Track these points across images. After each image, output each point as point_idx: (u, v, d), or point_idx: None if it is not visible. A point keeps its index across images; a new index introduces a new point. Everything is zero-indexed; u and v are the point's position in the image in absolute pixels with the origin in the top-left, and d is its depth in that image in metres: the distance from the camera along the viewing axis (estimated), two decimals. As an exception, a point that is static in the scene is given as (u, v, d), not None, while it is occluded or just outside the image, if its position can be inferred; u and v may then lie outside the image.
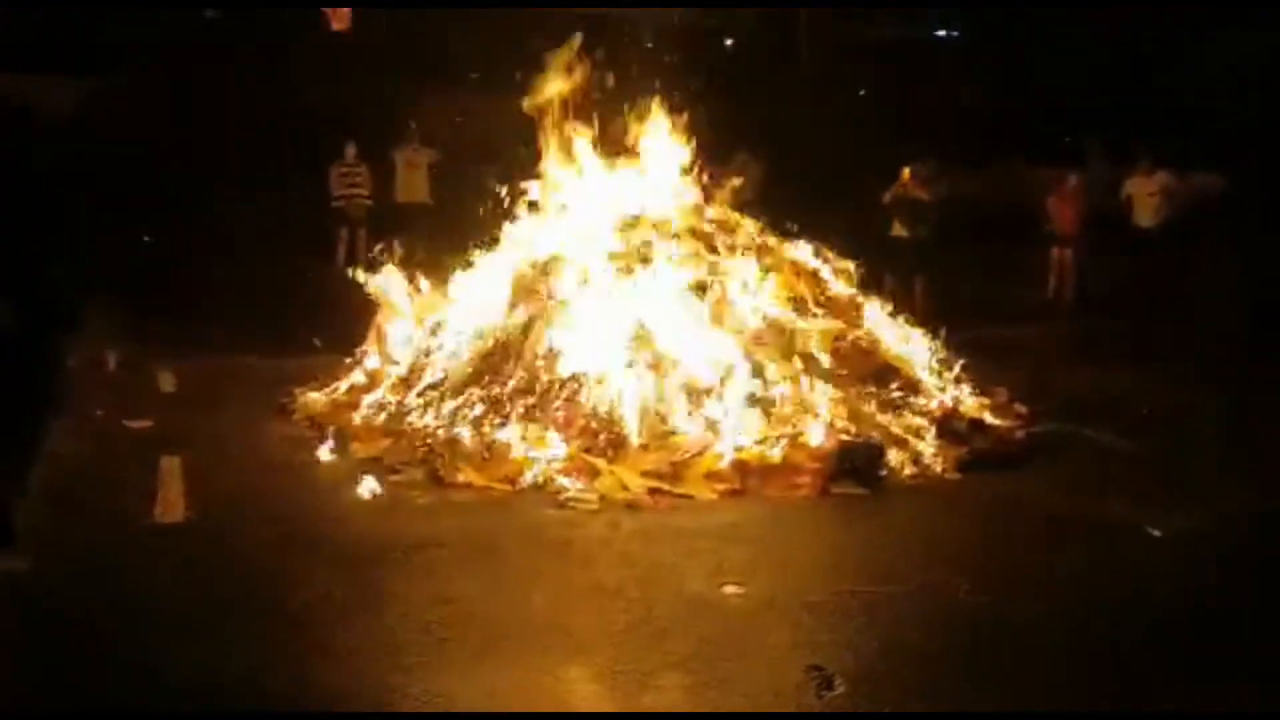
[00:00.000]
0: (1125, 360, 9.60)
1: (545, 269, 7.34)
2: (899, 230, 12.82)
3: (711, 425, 6.48)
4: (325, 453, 6.71)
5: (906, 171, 12.92)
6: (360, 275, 8.55)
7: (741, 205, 9.84)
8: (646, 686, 4.01)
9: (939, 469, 6.58)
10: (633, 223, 7.58)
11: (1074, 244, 13.66)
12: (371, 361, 7.78)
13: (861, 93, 26.17)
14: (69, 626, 4.40)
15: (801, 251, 7.93)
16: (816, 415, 6.61)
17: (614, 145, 8.35)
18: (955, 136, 19.73)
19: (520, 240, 7.91)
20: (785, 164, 16.22)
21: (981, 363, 8.45)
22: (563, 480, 6.17)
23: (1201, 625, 4.58)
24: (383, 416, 7.07)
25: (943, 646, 4.37)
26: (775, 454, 6.35)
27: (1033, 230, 14.34)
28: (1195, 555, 5.35)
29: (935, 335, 8.25)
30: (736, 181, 8.91)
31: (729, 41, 25.48)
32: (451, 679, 4.02)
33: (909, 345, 7.90)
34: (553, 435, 6.47)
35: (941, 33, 25.24)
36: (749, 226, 7.88)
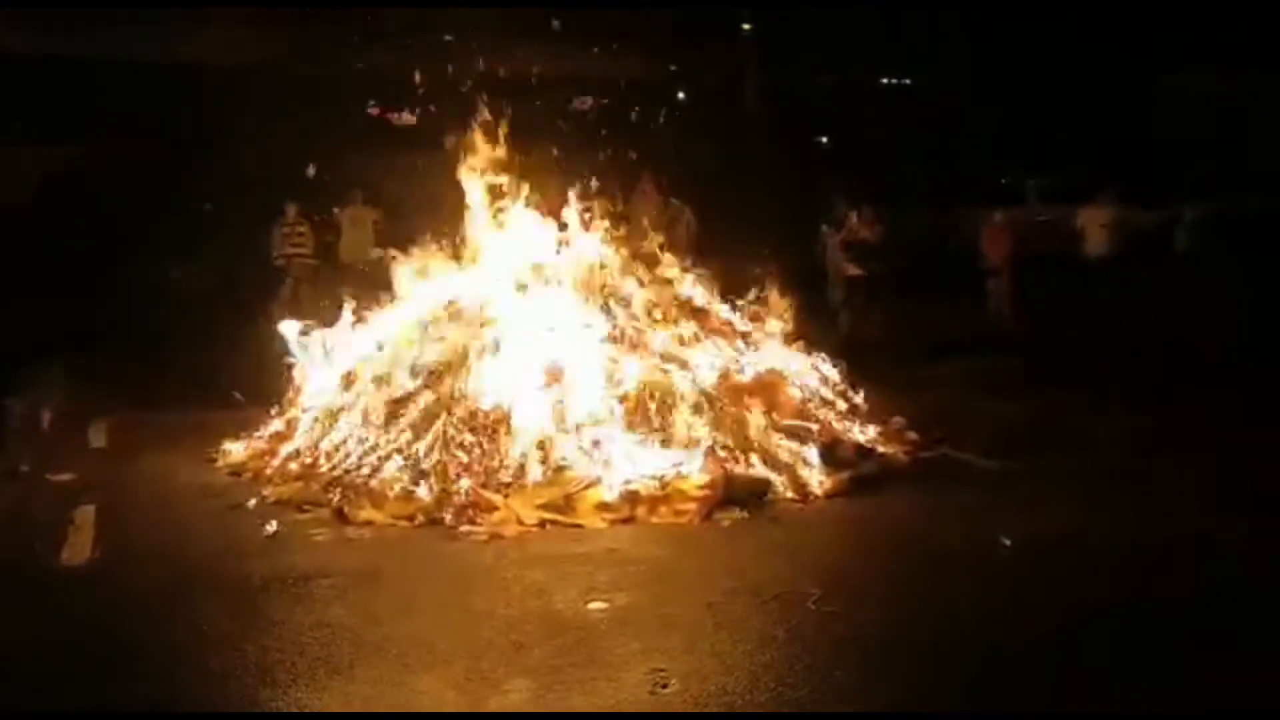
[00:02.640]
0: (1039, 391, 9.96)
1: (450, 314, 7.74)
2: (853, 270, 13.69)
3: (602, 458, 6.81)
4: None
5: (854, 214, 13.87)
6: (292, 330, 8.88)
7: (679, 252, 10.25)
8: (495, 691, 4.34)
9: (821, 493, 6.93)
10: (537, 269, 7.98)
11: (1005, 275, 14.42)
12: (290, 411, 8.11)
13: (823, 140, 26.95)
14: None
15: (693, 288, 8.33)
16: (702, 444, 6.95)
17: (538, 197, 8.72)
18: (896, 178, 20.37)
19: (430, 289, 8.28)
20: (724, 210, 16.78)
21: (899, 392, 8.91)
22: (460, 516, 6.50)
23: (1035, 628, 4.90)
24: (296, 461, 7.39)
25: (780, 649, 4.69)
26: (662, 484, 6.70)
27: (967, 266, 15.13)
28: (1041, 567, 5.66)
29: (839, 365, 8.65)
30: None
31: (680, 95, 26.15)
32: (313, 691, 4.34)
33: (807, 375, 8.27)
34: (453, 473, 6.80)
35: (886, 80, 25.96)
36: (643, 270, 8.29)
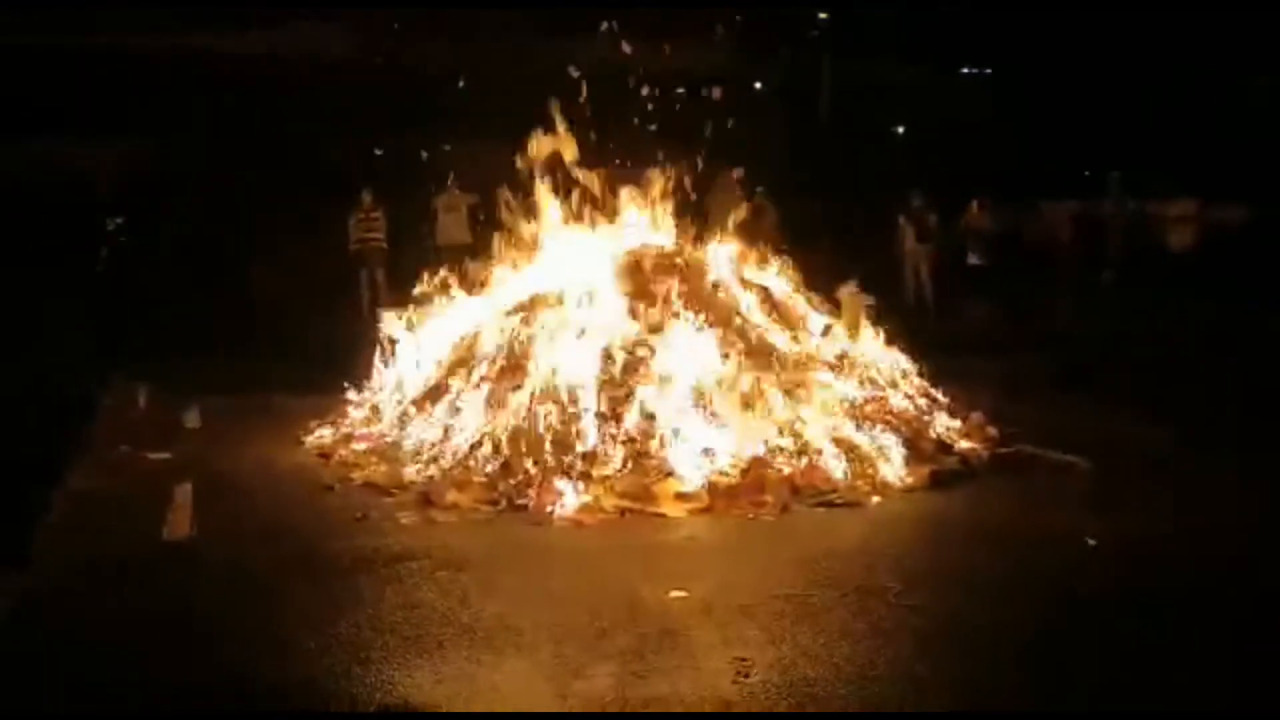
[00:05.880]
0: (1132, 386, 9.86)
1: (535, 303, 7.86)
2: (973, 259, 14.04)
3: (683, 448, 6.88)
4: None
5: (974, 204, 14.53)
6: (377, 315, 9.10)
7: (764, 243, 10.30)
8: (579, 676, 4.42)
9: (902, 486, 6.93)
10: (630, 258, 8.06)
11: (1115, 267, 14.44)
12: (377, 396, 8.30)
13: (900, 130, 26.73)
14: (70, 634, 4.90)
15: (774, 280, 8.36)
16: (786, 435, 7.00)
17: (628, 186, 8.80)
18: (981, 172, 20.16)
19: (515, 278, 8.42)
20: (801, 203, 16.77)
21: (985, 387, 8.90)
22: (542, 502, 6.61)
23: (1117, 626, 4.90)
24: (383, 445, 7.57)
25: (861, 642, 4.71)
26: (742, 475, 6.75)
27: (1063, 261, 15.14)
28: (1124, 566, 5.63)
29: (925, 360, 8.61)
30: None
31: (758, 85, 26.07)
32: (404, 670, 4.47)
33: (893, 369, 8.25)
34: (536, 460, 6.91)
35: (966, 70, 25.67)
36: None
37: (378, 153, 17.45)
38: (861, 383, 7.78)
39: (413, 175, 15.00)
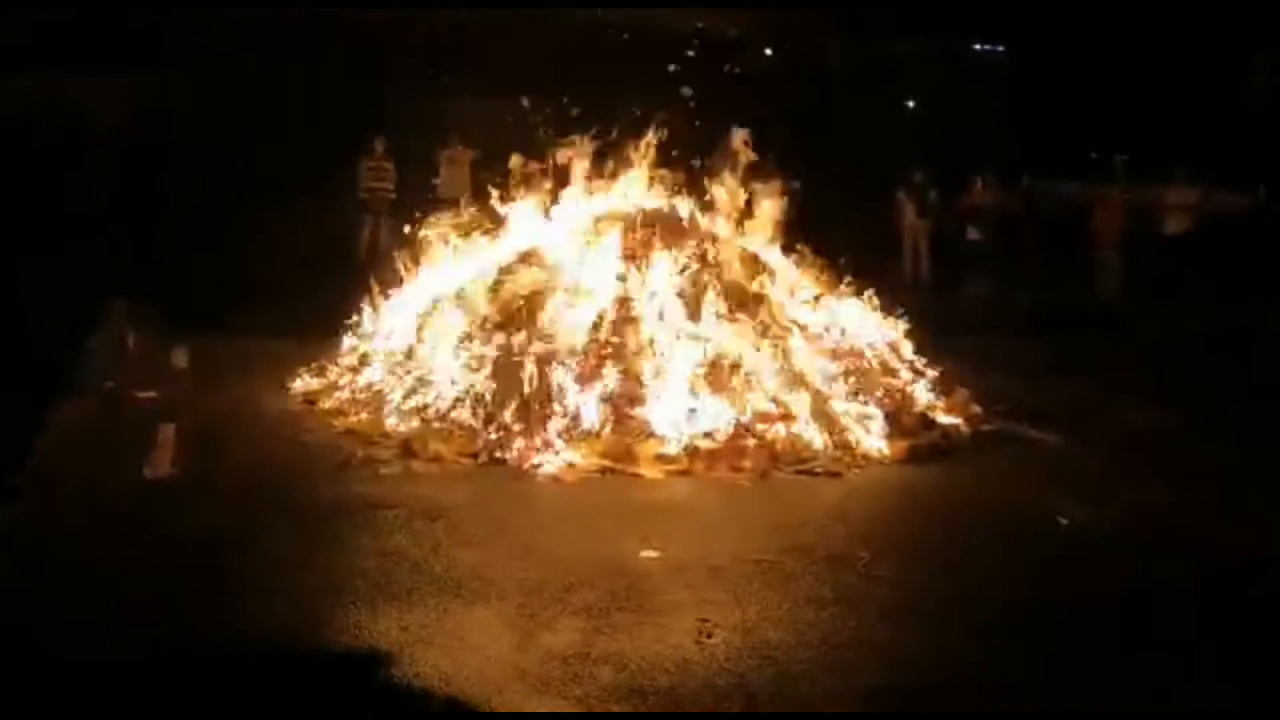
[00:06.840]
0: (1116, 371, 9.87)
1: (525, 259, 7.87)
2: (972, 234, 14.55)
3: (665, 410, 6.91)
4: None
5: (979, 181, 14.83)
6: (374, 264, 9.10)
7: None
8: (544, 629, 4.47)
9: (882, 459, 6.97)
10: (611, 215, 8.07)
11: (1116, 250, 14.39)
12: (364, 345, 8.32)
13: (910, 104, 26.56)
14: (53, 565, 4.98)
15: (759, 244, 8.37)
16: (768, 401, 7.03)
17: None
18: (987, 152, 20.04)
19: (510, 234, 8.43)
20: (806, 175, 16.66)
21: (975, 363, 8.92)
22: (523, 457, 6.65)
23: (1084, 603, 4.93)
24: (367, 394, 7.60)
25: (826, 608, 4.76)
26: (723, 440, 6.79)
27: (1072, 240, 15.07)
28: (1094, 543, 5.69)
29: (918, 335, 8.61)
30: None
31: (768, 51, 25.89)
32: (374, 615, 4.52)
33: (882, 341, 8.26)
34: (518, 415, 6.94)
35: (978, 46, 25.42)
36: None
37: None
38: (848, 353, 7.78)
39: (422, 128, 14.92)
